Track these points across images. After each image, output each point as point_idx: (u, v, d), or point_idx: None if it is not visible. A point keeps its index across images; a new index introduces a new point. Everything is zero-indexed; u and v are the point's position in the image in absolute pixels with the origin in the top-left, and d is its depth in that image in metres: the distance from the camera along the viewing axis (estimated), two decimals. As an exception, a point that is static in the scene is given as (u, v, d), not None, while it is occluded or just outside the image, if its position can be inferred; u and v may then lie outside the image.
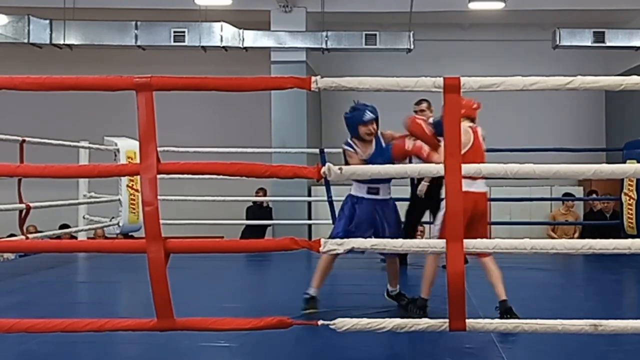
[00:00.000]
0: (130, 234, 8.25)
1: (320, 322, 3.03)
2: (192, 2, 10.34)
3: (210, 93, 3.07)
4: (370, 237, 4.37)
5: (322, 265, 4.46)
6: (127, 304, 5.57)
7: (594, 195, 10.69)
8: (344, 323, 2.96)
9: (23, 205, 6.32)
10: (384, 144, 4.40)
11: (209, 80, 2.93)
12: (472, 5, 10.49)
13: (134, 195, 7.94)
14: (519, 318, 3.93)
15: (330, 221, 8.03)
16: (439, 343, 3.76)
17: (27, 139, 6.36)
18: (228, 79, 2.98)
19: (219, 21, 10.56)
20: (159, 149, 2.86)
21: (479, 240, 3.08)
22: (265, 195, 10.80)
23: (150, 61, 10.98)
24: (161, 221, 2.87)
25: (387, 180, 4.42)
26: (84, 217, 8.50)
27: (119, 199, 8.00)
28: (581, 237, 9.86)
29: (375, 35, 10.65)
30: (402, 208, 5.57)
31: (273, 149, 10.26)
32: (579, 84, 2.84)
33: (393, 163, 4.25)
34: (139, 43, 10.52)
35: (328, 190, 7.99)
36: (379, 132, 4.42)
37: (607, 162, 9.14)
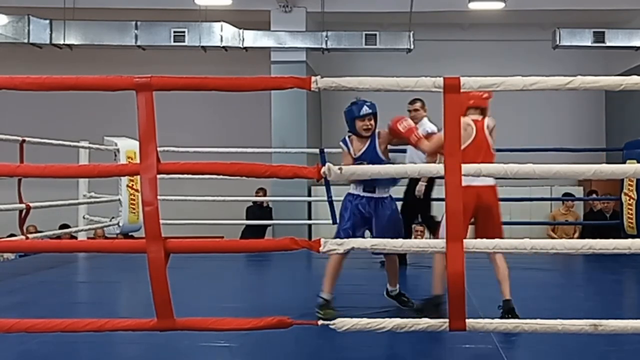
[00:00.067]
0: (130, 234, 8.25)
1: (320, 322, 3.03)
2: (192, 2, 10.35)
3: (210, 93, 3.07)
4: (363, 235, 4.39)
5: (330, 269, 4.40)
6: (127, 304, 5.57)
7: (594, 195, 10.69)
8: (344, 323, 2.96)
9: (23, 205, 6.32)
10: (377, 144, 4.39)
11: (209, 80, 2.93)
12: (472, 5, 10.49)
13: (134, 195, 7.94)
14: (519, 319, 3.93)
15: (331, 221, 8.05)
16: (439, 343, 3.76)
17: (27, 139, 6.36)
18: (228, 79, 2.98)
19: (219, 21, 10.56)
20: (159, 149, 2.86)
21: (479, 240, 3.08)
22: (265, 195, 10.80)
23: (150, 61, 10.99)
24: (161, 221, 2.87)
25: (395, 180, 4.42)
26: (84, 217, 8.50)
27: (119, 199, 8.00)
28: (581, 237, 9.86)
29: (375, 35, 10.66)
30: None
31: (273, 149, 10.27)
32: (579, 84, 2.84)
33: (382, 161, 4.25)
34: (139, 43, 10.52)
35: (328, 190, 7.99)
36: (376, 131, 4.41)
37: (607, 162, 9.15)
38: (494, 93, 4.38)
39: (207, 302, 5.06)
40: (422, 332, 3.01)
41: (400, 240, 3.15)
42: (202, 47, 10.69)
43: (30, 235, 6.85)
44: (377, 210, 4.43)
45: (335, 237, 3.73)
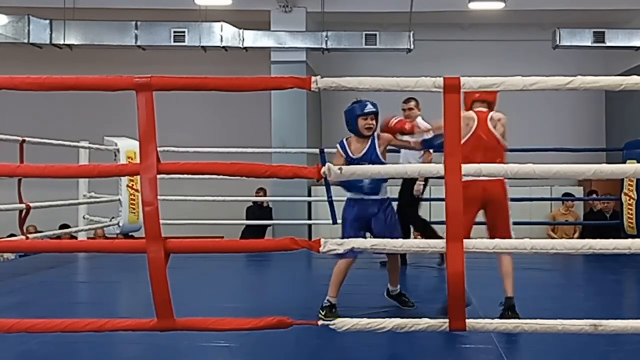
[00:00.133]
0: (130, 234, 8.25)
1: (320, 322, 3.03)
2: (192, 2, 10.35)
3: (210, 93, 3.07)
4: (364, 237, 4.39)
5: (336, 274, 4.38)
6: (127, 304, 5.57)
7: (594, 195, 10.70)
8: (344, 323, 2.96)
9: (23, 205, 6.32)
10: (377, 145, 4.39)
11: (209, 80, 2.93)
12: (472, 5, 10.49)
13: (134, 195, 7.94)
14: (519, 317, 3.93)
15: (331, 221, 8.04)
16: (439, 343, 3.76)
17: (27, 139, 6.36)
18: (228, 79, 2.98)
19: (219, 21, 10.56)
20: (159, 149, 2.86)
21: (479, 240, 3.08)
22: (265, 195, 10.81)
23: (150, 61, 10.99)
24: (161, 221, 2.87)
25: (384, 181, 4.43)
26: (84, 217, 8.50)
27: (119, 199, 8.00)
28: (581, 237, 9.86)
29: (375, 35, 10.66)
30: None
31: (273, 149, 10.27)
32: (579, 84, 2.84)
33: (382, 163, 4.26)
34: (139, 43, 10.52)
35: (328, 190, 7.96)
36: (375, 133, 4.40)
37: (607, 162, 9.15)
38: (494, 93, 4.39)
39: (207, 302, 5.06)
40: (422, 332, 3.00)
41: (400, 240, 3.15)
42: (202, 47, 10.69)
43: (30, 235, 6.85)
44: (377, 212, 4.43)
45: None
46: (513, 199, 4.46)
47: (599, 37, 10.45)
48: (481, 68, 10.22)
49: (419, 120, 6.35)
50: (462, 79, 2.83)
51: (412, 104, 6.44)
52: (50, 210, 8.21)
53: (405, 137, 4.71)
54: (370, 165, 3.87)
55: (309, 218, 10.82)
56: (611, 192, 9.89)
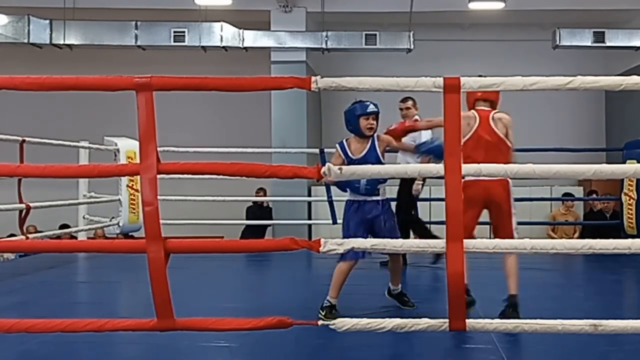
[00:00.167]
0: (130, 234, 8.25)
1: (320, 322, 3.03)
2: (192, 2, 10.35)
3: (210, 93, 3.07)
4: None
5: (337, 276, 4.38)
6: (127, 304, 5.57)
7: (594, 195, 10.69)
8: (344, 323, 2.96)
9: (23, 205, 6.32)
10: (377, 147, 4.38)
11: (209, 80, 2.93)
12: (472, 5, 10.49)
13: (134, 195, 7.94)
14: (519, 316, 3.92)
15: (331, 221, 8.05)
16: (439, 343, 3.76)
17: (27, 139, 6.36)
18: (228, 79, 2.98)
19: (219, 21, 10.56)
20: (159, 149, 2.86)
21: (478, 240, 3.08)
22: (265, 195, 10.81)
23: (150, 61, 10.99)
24: (161, 221, 2.87)
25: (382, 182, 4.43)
26: (84, 217, 8.50)
27: (119, 199, 8.00)
28: (581, 237, 9.86)
29: (375, 35, 10.65)
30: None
31: (273, 149, 10.27)
32: (579, 84, 2.84)
33: (383, 163, 4.27)
34: (139, 43, 10.52)
35: (328, 190, 7.99)
36: (375, 134, 4.40)
37: (607, 162, 9.14)
38: (494, 93, 4.38)
39: (207, 302, 5.06)
40: (422, 332, 3.00)
41: (400, 240, 3.16)
42: (202, 47, 10.69)
43: (30, 235, 6.85)
44: (380, 215, 4.42)
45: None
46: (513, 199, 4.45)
47: (599, 37, 10.45)
48: (481, 68, 10.16)
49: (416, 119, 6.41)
50: (462, 79, 2.83)
51: (410, 103, 6.48)
52: (50, 210, 8.22)
53: (404, 139, 4.74)
54: (370, 165, 3.87)
55: (309, 218, 10.82)
56: (611, 192, 9.89)
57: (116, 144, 7.97)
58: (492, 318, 3.12)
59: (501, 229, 4.31)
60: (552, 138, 11.32)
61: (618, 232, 8.32)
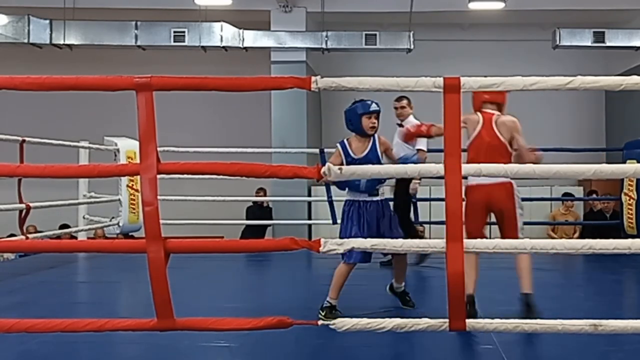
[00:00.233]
0: (130, 234, 8.25)
1: (320, 322, 3.03)
2: (192, 2, 10.35)
3: (210, 93, 3.07)
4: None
5: (337, 278, 4.37)
6: (127, 304, 5.57)
7: (594, 195, 10.69)
8: (344, 323, 2.96)
9: (23, 205, 6.32)
10: (378, 147, 4.37)
11: (209, 80, 2.93)
12: (472, 5, 10.49)
13: (134, 195, 7.95)
14: (538, 315, 3.87)
15: (331, 221, 8.05)
16: (439, 343, 3.76)
17: (27, 139, 6.36)
18: (228, 79, 2.98)
19: (219, 21, 10.56)
20: (159, 149, 2.86)
21: (478, 240, 3.08)
22: (265, 195, 10.81)
23: (150, 61, 10.99)
24: (161, 221, 2.87)
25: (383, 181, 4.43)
26: (84, 217, 8.50)
27: (119, 199, 8.00)
28: (581, 237, 9.86)
29: (375, 35, 10.66)
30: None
31: (273, 149, 10.27)
32: (579, 84, 2.84)
33: (382, 163, 4.28)
34: (139, 43, 10.52)
35: (328, 190, 7.99)
36: (376, 134, 4.39)
37: (607, 162, 9.14)
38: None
39: (207, 302, 5.06)
40: (422, 332, 3.00)
41: (400, 240, 3.15)
42: (202, 47, 10.69)
43: (30, 235, 6.85)
44: (382, 214, 4.42)
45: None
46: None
47: (599, 37, 10.45)
48: (481, 68, 10.22)
49: (411, 118, 6.45)
50: (462, 79, 2.83)
51: (404, 102, 6.51)
52: (50, 210, 8.22)
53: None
54: (370, 165, 3.87)
55: (309, 218, 10.82)
56: (611, 192, 9.88)
57: (116, 144, 7.97)
58: (492, 318, 3.12)
59: (505, 232, 4.30)
60: (552, 138, 11.30)
61: (618, 232, 8.32)
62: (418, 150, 6.29)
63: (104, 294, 5.76)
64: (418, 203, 7.88)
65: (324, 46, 10.76)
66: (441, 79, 2.82)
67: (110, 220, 8.22)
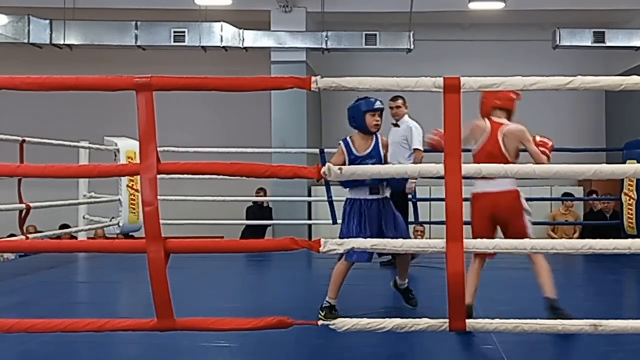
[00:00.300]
0: (130, 234, 8.26)
1: (320, 322, 3.03)
2: (192, 2, 10.35)
3: (210, 93, 3.07)
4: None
5: (335, 276, 4.36)
6: (127, 304, 5.57)
7: (594, 195, 10.69)
8: (344, 323, 2.96)
9: (23, 205, 6.32)
10: (380, 145, 4.37)
11: (209, 80, 2.93)
12: (472, 5, 10.49)
13: (134, 195, 7.95)
14: (565, 315, 3.81)
15: (331, 221, 8.05)
16: (439, 343, 3.76)
17: (27, 139, 6.36)
18: (228, 79, 2.98)
19: (219, 21, 10.56)
20: (159, 149, 2.86)
21: (478, 240, 3.08)
22: (265, 195, 10.81)
23: (150, 61, 10.99)
24: (161, 221, 2.87)
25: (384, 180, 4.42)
26: (84, 217, 8.50)
27: (119, 199, 8.01)
28: (581, 237, 9.86)
29: (375, 35, 10.65)
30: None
31: (273, 149, 10.27)
32: (579, 84, 2.84)
33: (385, 161, 4.28)
34: (139, 43, 10.52)
35: (328, 190, 8.00)
36: (377, 133, 4.39)
37: (607, 162, 9.15)
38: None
39: (207, 302, 5.06)
40: (422, 332, 3.01)
41: (400, 240, 3.15)
42: (202, 47, 10.69)
43: (30, 235, 6.85)
44: (385, 212, 4.41)
45: None
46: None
47: (599, 37, 10.45)
48: (481, 68, 10.21)
49: (406, 118, 6.47)
50: (462, 79, 2.83)
51: (400, 101, 6.51)
52: (50, 210, 8.21)
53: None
54: (370, 165, 3.88)
55: (309, 218, 10.82)
56: (611, 192, 9.88)
57: (116, 144, 7.97)
58: (492, 318, 3.12)
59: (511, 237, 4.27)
60: (552, 138, 11.30)
61: (618, 232, 8.31)
62: (415, 149, 6.31)
63: (104, 294, 5.76)
64: (418, 203, 7.90)
65: (324, 46, 10.76)
66: (441, 79, 2.83)
67: (110, 220, 8.22)
